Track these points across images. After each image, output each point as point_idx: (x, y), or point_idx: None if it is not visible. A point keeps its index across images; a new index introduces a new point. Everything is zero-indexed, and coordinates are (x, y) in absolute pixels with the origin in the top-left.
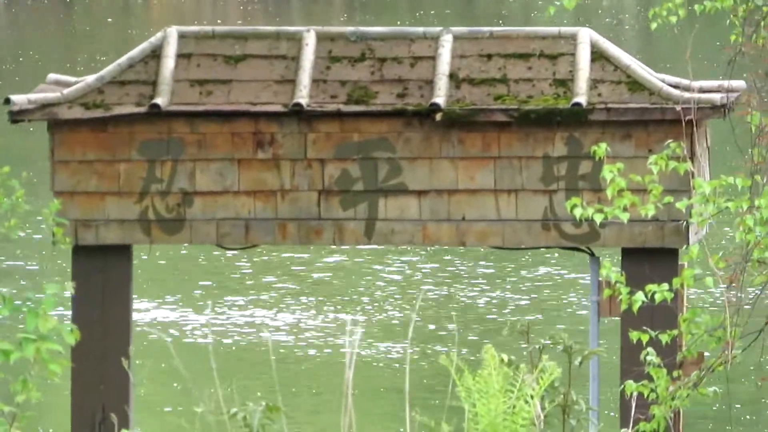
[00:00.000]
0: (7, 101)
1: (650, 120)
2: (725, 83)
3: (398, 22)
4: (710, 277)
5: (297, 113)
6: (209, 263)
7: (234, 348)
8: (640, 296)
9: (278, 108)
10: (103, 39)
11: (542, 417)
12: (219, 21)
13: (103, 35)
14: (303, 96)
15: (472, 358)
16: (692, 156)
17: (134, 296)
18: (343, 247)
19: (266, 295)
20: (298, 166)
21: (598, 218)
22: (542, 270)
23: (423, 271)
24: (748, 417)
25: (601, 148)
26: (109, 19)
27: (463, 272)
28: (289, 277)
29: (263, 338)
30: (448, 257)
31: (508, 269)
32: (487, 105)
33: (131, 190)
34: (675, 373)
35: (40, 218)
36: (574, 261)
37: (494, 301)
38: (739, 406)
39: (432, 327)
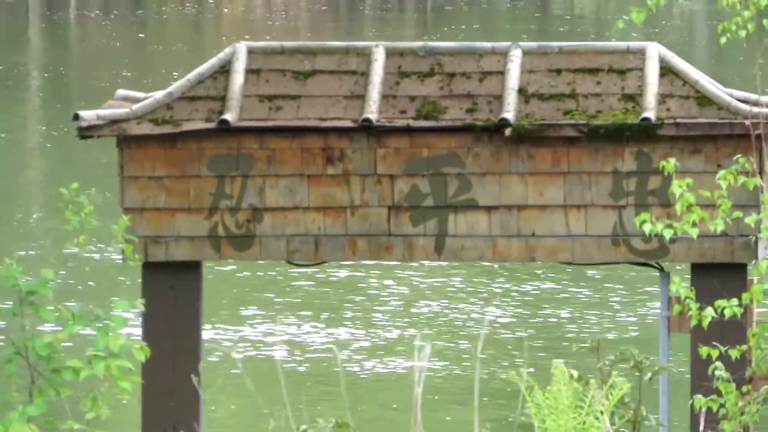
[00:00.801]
0: (76, 117)
1: (719, 135)
2: None
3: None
4: None
5: (366, 129)
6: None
7: (303, 365)
8: (709, 312)
9: (348, 123)
10: (172, 54)
11: None
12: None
13: (172, 50)
14: (372, 111)
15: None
16: (761, 171)
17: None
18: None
19: (330, 313)
20: (368, 182)
21: (668, 234)
22: (612, 286)
23: (493, 286)
24: None
25: (670, 164)
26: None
27: (532, 288)
28: (353, 294)
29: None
30: (517, 273)
31: (578, 285)
32: (557, 120)
33: (201, 206)
34: (744, 388)
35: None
36: (644, 276)
37: (564, 318)
38: None
39: (502, 343)
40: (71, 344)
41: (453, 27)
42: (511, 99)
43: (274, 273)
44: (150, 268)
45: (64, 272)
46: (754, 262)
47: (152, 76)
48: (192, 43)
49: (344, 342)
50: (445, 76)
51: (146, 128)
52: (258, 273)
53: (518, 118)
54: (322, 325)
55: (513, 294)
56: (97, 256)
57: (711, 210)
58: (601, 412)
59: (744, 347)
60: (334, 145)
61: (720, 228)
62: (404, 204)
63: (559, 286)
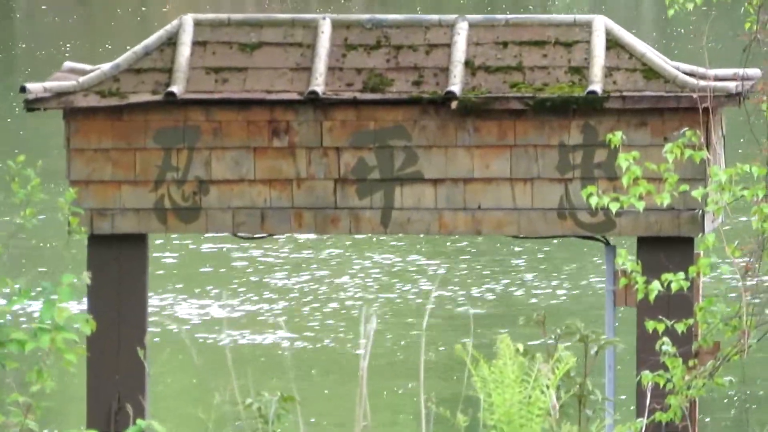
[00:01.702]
0: (23, 89)
1: (665, 108)
2: (740, 71)
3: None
4: (726, 265)
5: (313, 101)
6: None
7: (250, 339)
8: (656, 285)
9: (294, 96)
10: (118, 26)
11: (558, 407)
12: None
13: (118, 22)
14: (319, 84)
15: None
16: (708, 144)
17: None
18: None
19: (272, 287)
20: (314, 155)
21: (614, 207)
22: (557, 258)
23: (438, 259)
24: (764, 406)
25: (617, 137)
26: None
27: (478, 261)
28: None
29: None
30: (463, 245)
31: (524, 258)
32: (503, 93)
33: (147, 179)
34: (691, 363)
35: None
36: (590, 250)
37: (509, 291)
38: (754, 395)
39: (448, 316)
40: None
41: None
42: (458, 71)
43: (221, 246)
44: (96, 240)
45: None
46: (700, 235)
47: (99, 48)
48: (138, 15)
49: (290, 316)
50: (391, 48)
51: (92, 100)
52: (205, 246)
53: (464, 90)
54: (268, 301)
55: (459, 267)
56: (43, 232)
57: (658, 183)
58: (547, 386)
59: (690, 321)
60: (280, 118)
61: (666, 201)
62: (350, 177)
63: (505, 259)
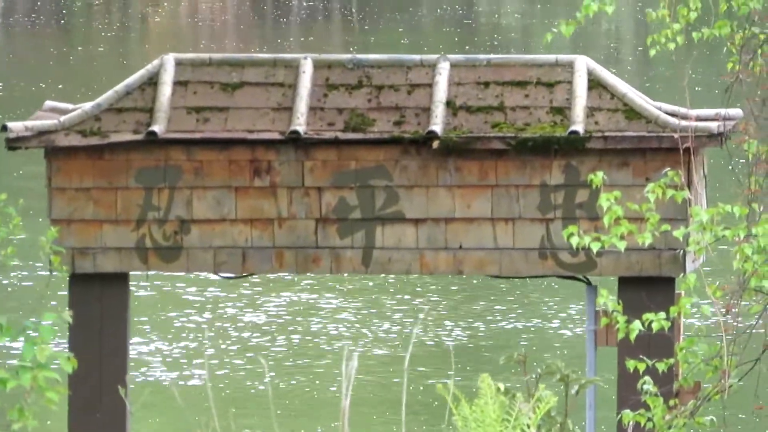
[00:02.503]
0: (4, 128)
1: (647, 148)
2: (722, 111)
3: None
4: (707, 305)
5: (294, 141)
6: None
7: (231, 379)
8: (637, 325)
9: (275, 136)
10: (100, 65)
11: None
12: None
13: (100, 61)
14: (300, 123)
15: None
16: (689, 184)
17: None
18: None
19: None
20: (296, 194)
21: (595, 247)
22: (538, 299)
23: (420, 299)
24: None
25: (598, 177)
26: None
27: (459, 301)
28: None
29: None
30: (445, 285)
31: (505, 298)
32: (485, 133)
33: (128, 218)
34: (672, 402)
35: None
36: (571, 290)
37: (490, 330)
38: None
39: (429, 355)
40: None
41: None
42: (439, 111)
43: (202, 287)
44: (77, 279)
45: None
46: (682, 275)
47: (80, 88)
48: (119, 54)
49: (270, 354)
50: (373, 88)
51: (74, 140)
52: (186, 287)
53: (446, 130)
54: (249, 339)
55: (440, 307)
56: (24, 270)
57: (639, 223)
58: (528, 426)
59: (671, 361)
60: (261, 158)
61: (648, 241)
62: (332, 216)
63: (487, 299)
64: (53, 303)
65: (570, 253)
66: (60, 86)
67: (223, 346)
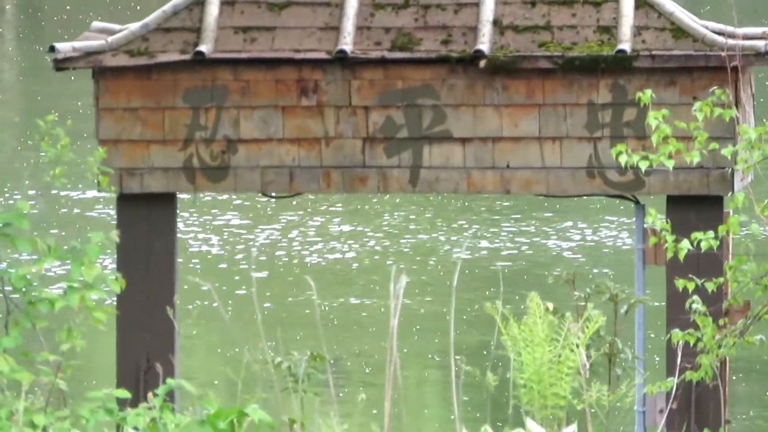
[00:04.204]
0: (52, 49)
1: (694, 67)
2: None
3: None
4: (755, 224)
5: (341, 60)
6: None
7: (279, 297)
8: (685, 244)
9: (322, 55)
10: None
11: (588, 366)
12: None
13: None
14: (347, 43)
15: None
16: (737, 103)
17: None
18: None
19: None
20: (343, 114)
21: (643, 165)
22: (587, 217)
23: (463, 218)
24: None
25: (646, 95)
26: None
27: (507, 220)
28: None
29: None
30: (491, 204)
31: (553, 216)
32: (531, 52)
33: (175, 138)
34: (721, 322)
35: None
36: (619, 209)
37: (539, 250)
38: None
39: (477, 275)
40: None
41: None
42: (486, 31)
43: (251, 203)
44: (125, 199)
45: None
46: (730, 194)
47: (128, 7)
48: None
49: (320, 274)
50: (419, 7)
51: (121, 60)
52: (236, 202)
53: (493, 49)
54: (298, 257)
55: (488, 225)
56: (72, 191)
57: (687, 142)
58: (577, 345)
59: (720, 280)
60: (308, 77)
61: (696, 160)
62: (378, 135)
63: (535, 218)
64: (101, 223)
65: (618, 172)
66: (108, 6)
67: (271, 263)
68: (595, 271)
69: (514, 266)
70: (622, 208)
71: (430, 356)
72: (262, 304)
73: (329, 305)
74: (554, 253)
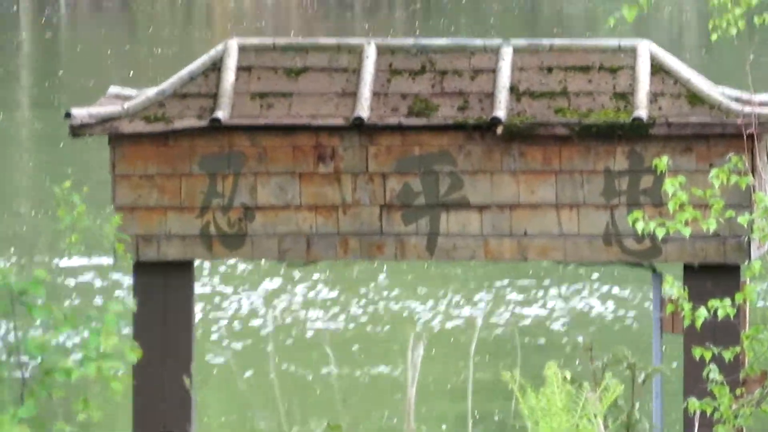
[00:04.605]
0: (68, 115)
1: (711, 134)
2: None
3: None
4: None
5: (358, 127)
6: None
7: (296, 364)
8: (702, 312)
9: (339, 121)
10: (163, 51)
11: None
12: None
13: (164, 46)
14: (364, 109)
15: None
16: (753, 170)
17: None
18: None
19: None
20: (360, 180)
21: (660, 232)
22: (604, 285)
23: (484, 285)
24: None
25: (663, 162)
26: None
27: (525, 287)
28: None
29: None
30: (510, 270)
31: (571, 284)
32: (548, 118)
33: (192, 205)
34: (738, 391)
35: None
36: (636, 276)
37: (556, 318)
38: None
39: (495, 343)
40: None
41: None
42: (503, 97)
43: (266, 268)
44: (141, 267)
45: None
46: (747, 262)
47: (144, 73)
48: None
49: (337, 341)
50: (436, 73)
51: (138, 126)
52: (250, 268)
53: (510, 116)
54: (315, 323)
55: (506, 293)
56: (88, 258)
57: (703, 210)
58: (595, 415)
59: (737, 349)
60: (325, 143)
61: (713, 227)
62: (396, 202)
63: (552, 286)
64: (117, 291)
65: (635, 240)
66: (124, 72)
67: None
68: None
69: (531, 333)
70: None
71: (444, 426)
72: (279, 371)
73: (347, 373)
74: (571, 320)
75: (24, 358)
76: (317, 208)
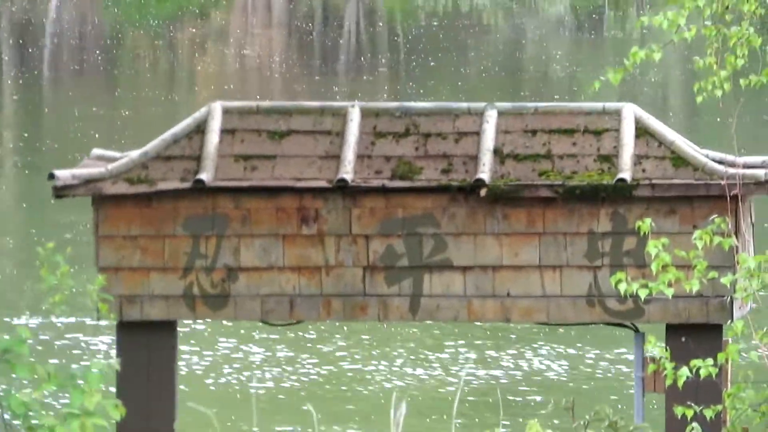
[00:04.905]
0: (51, 176)
1: (695, 196)
2: None
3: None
4: (754, 352)
5: (342, 189)
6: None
7: (279, 425)
8: (684, 371)
9: (323, 184)
10: (146, 113)
11: None
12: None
13: (146, 109)
14: (348, 172)
15: None
16: (737, 231)
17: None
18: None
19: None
20: (343, 242)
21: (643, 293)
22: (586, 345)
23: (466, 345)
24: None
25: (646, 224)
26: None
27: (505, 346)
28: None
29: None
30: (491, 330)
31: (552, 344)
32: (532, 181)
33: (176, 266)
34: None
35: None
36: (618, 337)
37: (538, 376)
38: None
39: (477, 401)
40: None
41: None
42: (487, 159)
43: (249, 330)
44: (125, 327)
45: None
46: (729, 322)
47: (127, 136)
48: (166, 102)
49: (320, 401)
50: (420, 136)
51: (121, 188)
52: (234, 330)
53: (494, 178)
54: (297, 384)
55: (487, 351)
56: (72, 318)
57: (686, 270)
58: None
59: (719, 407)
60: (309, 205)
61: (696, 288)
62: (379, 264)
63: (534, 345)
64: (101, 350)
65: (617, 301)
66: (107, 134)
67: (270, 390)
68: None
69: (513, 391)
70: (622, 335)
71: None
72: (264, 431)
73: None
74: (553, 379)
75: (7, 416)
76: (300, 269)
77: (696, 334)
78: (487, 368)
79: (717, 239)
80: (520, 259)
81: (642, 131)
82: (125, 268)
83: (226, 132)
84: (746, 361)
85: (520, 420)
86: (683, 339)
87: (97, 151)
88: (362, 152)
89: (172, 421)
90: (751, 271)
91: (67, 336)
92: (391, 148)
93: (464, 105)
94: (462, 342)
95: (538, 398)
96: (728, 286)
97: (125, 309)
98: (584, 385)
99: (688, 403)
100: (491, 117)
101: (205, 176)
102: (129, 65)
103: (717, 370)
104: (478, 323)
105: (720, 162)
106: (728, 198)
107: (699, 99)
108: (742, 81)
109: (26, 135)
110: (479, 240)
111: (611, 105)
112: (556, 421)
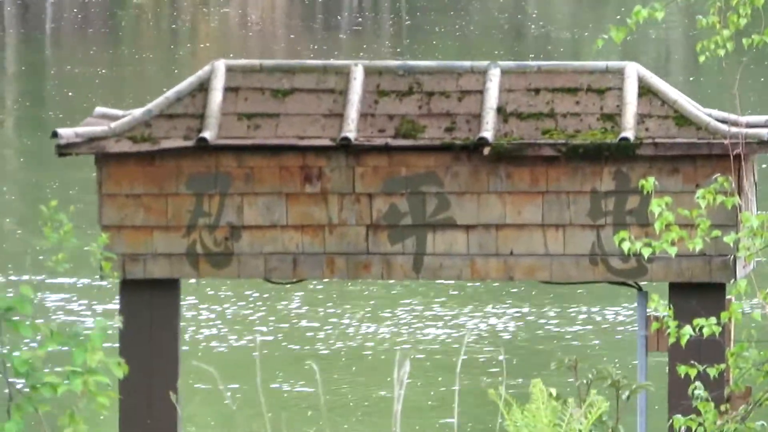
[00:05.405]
0: (55, 134)
1: (697, 155)
2: None
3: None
4: (758, 311)
5: (345, 147)
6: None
7: (283, 382)
8: (687, 330)
9: (326, 142)
10: (150, 71)
11: None
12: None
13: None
14: (351, 130)
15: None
16: (739, 190)
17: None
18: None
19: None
20: (346, 201)
21: (646, 252)
22: (589, 304)
23: (470, 304)
24: None
25: (649, 182)
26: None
27: (510, 306)
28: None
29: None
30: (496, 289)
31: (556, 303)
32: (535, 139)
33: (179, 224)
34: (723, 407)
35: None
36: (622, 295)
37: (541, 335)
38: None
39: (481, 360)
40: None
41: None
42: (490, 118)
43: (252, 289)
44: (128, 285)
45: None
46: (732, 281)
47: (131, 93)
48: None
49: (323, 359)
50: (423, 95)
51: (124, 146)
52: (237, 289)
53: (497, 137)
54: (301, 342)
55: (491, 310)
56: (75, 277)
57: (689, 229)
58: (580, 431)
59: (722, 366)
60: (312, 164)
61: (699, 247)
62: (382, 223)
63: (538, 304)
64: (103, 308)
65: (621, 259)
66: (110, 92)
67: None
68: (597, 359)
69: (516, 350)
70: (627, 294)
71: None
72: (267, 389)
73: (334, 390)
74: (556, 338)
75: (11, 374)
76: (303, 227)
77: (699, 293)
78: (490, 327)
79: (720, 198)
80: (523, 218)
81: (645, 90)
82: (128, 227)
83: (230, 90)
84: (750, 320)
85: (520, 381)
86: (687, 300)
87: (100, 110)
88: (365, 111)
89: (175, 380)
90: (754, 230)
91: (70, 294)
92: (395, 106)
93: (467, 64)
94: (465, 301)
95: (542, 357)
96: (731, 245)
97: (128, 267)
98: (587, 343)
99: (692, 362)
100: (494, 75)
101: (208, 134)
102: (132, 24)
103: (720, 329)
104: (481, 282)
105: (723, 121)
106: (731, 157)
107: (702, 58)
108: (744, 40)
109: (30, 92)
110: (482, 198)
111: (614, 64)
112: (559, 380)
